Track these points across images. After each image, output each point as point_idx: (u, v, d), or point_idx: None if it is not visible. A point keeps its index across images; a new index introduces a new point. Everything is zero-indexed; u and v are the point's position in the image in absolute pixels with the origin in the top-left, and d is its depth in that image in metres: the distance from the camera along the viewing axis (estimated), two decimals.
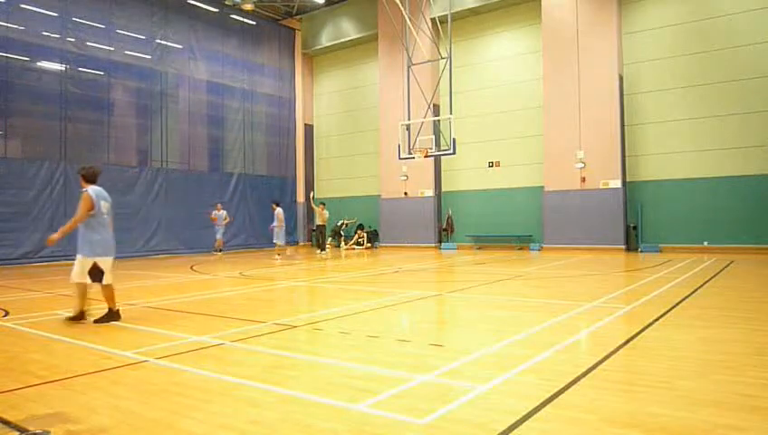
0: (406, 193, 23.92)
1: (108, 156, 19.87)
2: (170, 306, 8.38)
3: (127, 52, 20.72)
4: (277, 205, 19.06)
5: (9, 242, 16.84)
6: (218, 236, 20.88)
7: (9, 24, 17.48)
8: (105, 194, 7.06)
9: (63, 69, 18.73)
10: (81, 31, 19.20)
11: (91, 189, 6.92)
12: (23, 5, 17.78)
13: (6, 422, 3.46)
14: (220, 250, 21.09)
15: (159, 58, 21.71)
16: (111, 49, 20.14)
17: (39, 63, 18.52)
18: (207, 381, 4.35)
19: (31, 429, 3.32)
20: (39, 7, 18.16)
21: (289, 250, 22.13)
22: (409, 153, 19.20)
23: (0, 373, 4.75)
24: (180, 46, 22.55)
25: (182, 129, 22.72)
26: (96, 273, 6.91)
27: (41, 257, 17.19)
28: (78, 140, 18.97)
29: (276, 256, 18.77)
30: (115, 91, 20.59)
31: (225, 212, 21.17)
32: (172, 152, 22.17)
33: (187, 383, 4.34)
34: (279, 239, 18.79)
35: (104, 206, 6.98)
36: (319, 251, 19.95)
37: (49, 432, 3.25)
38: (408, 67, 19.92)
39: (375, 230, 25.23)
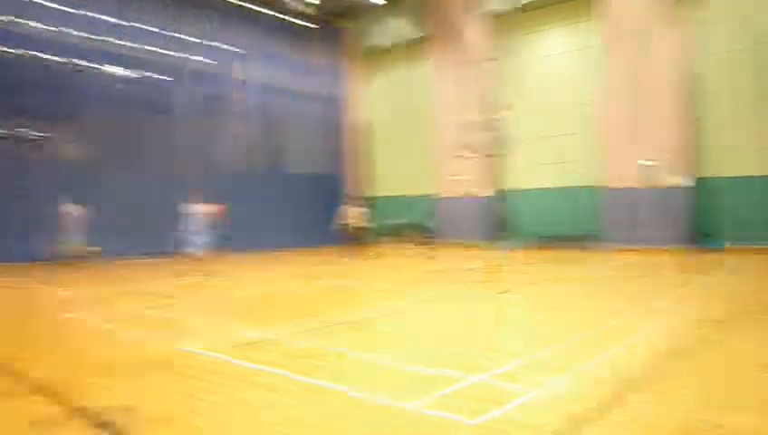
0: (462, 192, 23.73)
1: (172, 158, 20.69)
2: (235, 301, 8.63)
3: (193, 57, 21.58)
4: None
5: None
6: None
7: (83, 34, 18.52)
8: None
9: (134, 75, 19.76)
10: (148, 38, 20.14)
11: None
12: (88, 13, 18.79)
13: (79, 408, 3.68)
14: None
15: (220, 62, 22.44)
16: (178, 55, 21.01)
17: (112, 71, 19.46)
18: (261, 375, 4.47)
19: (103, 417, 3.51)
20: (109, 16, 19.18)
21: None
22: (466, 151, 19.01)
23: (73, 365, 5.04)
24: (237, 50, 23.23)
25: (242, 131, 23.36)
26: None
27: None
28: (146, 145, 19.93)
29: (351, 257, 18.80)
30: (179, 96, 21.38)
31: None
32: (234, 154, 22.90)
33: (242, 376, 4.47)
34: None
35: None
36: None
37: (114, 422, 3.43)
38: (463, 64, 19.71)
39: (431, 229, 25.10)
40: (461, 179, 23.77)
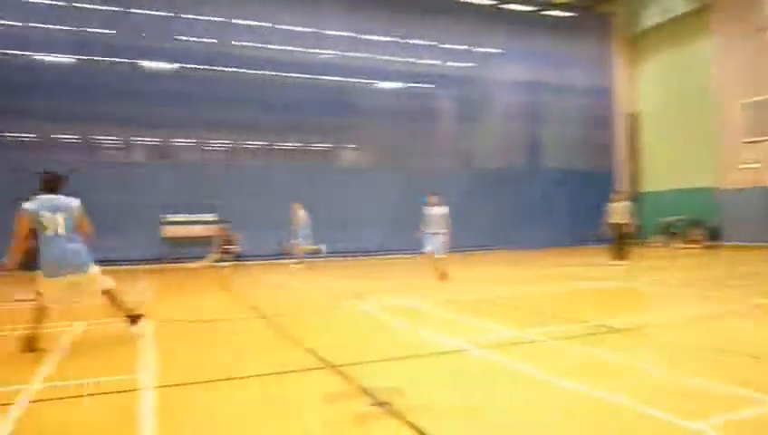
0: (753, 182, 20.26)
1: (435, 161, 22.03)
2: (495, 300, 8.79)
3: (450, 63, 22.63)
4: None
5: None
6: (295, 240, 15.78)
7: (357, 54, 20.87)
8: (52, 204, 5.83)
9: (400, 86, 21.56)
10: (412, 50, 21.75)
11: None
12: (364, 36, 20.98)
13: (361, 388, 4.15)
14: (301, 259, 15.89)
15: (478, 65, 23.07)
16: (438, 63, 22.28)
17: (379, 85, 21.59)
18: (521, 375, 4.45)
19: (378, 397, 3.91)
20: (379, 36, 21.22)
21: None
22: (758, 136, 16.19)
23: (354, 347, 5.70)
24: (496, 50, 23.54)
25: (500, 129, 23.63)
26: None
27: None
28: (408, 150, 21.54)
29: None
30: (441, 101, 22.66)
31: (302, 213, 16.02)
32: (493, 153, 23.35)
33: (504, 375, 4.52)
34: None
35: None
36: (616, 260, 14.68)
37: (392, 404, 3.78)
38: (755, 35, 16.78)
39: (714, 227, 22.01)
40: (752, 168, 20.34)
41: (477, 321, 6.90)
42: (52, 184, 5.96)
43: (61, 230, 5.75)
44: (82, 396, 4.12)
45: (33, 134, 18.72)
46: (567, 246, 22.58)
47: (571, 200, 23.72)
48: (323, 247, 16.32)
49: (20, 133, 18.60)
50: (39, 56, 17.72)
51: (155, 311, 8.48)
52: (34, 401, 4.01)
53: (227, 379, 4.60)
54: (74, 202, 5.98)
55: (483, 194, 22.23)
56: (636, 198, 19.22)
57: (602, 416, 3.52)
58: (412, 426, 3.38)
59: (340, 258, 18.64)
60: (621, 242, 14.47)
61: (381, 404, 3.78)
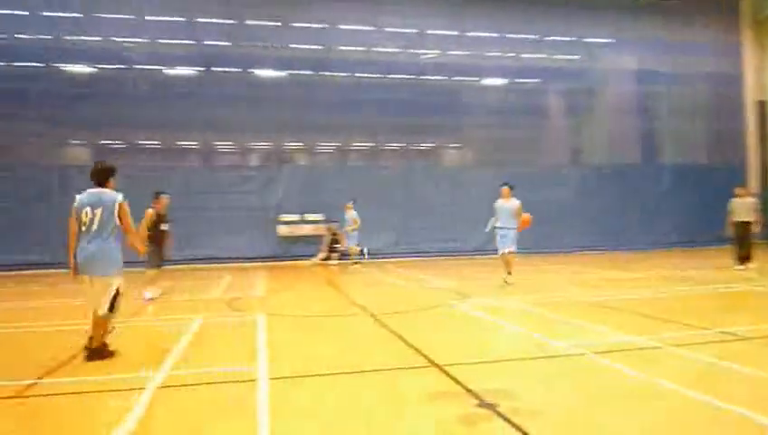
0: None
1: (540, 158, 21.39)
2: (603, 302, 8.39)
3: (557, 56, 21.82)
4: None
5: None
6: (350, 243, 16.39)
7: (461, 52, 20.72)
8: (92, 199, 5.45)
9: (505, 82, 21.15)
10: (517, 45, 21.25)
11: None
12: (467, 34, 20.77)
13: (467, 389, 4.12)
14: (356, 259, 16.58)
15: (586, 56, 22.06)
16: (543, 56, 21.59)
17: (484, 82, 21.30)
18: (637, 383, 4.20)
19: (484, 398, 3.86)
20: (482, 32, 20.93)
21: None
22: None
23: (461, 348, 5.67)
24: (606, 40, 22.39)
25: (610, 123, 22.45)
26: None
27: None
28: (513, 148, 21.05)
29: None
30: (547, 96, 21.94)
31: (354, 213, 16.33)
32: (601, 148, 22.25)
33: (617, 382, 4.30)
34: None
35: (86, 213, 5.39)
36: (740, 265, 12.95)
37: (498, 406, 3.72)
38: None
39: None
40: None
41: (586, 324, 6.61)
42: (98, 177, 5.51)
43: (95, 227, 5.31)
44: (202, 384, 4.43)
45: (157, 142, 20.38)
46: (683, 246, 20.99)
47: (688, 198, 21.98)
48: (365, 250, 16.90)
49: (148, 141, 20.32)
50: (166, 70, 19.24)
51: (269, 305, 8.94)
52: (161, 387, 4.37)
53: (337, 373, 4.75)
54: (115, 197, 5.42)
55: (591, 191, 21.22)
56: (763, 193, 17.43)
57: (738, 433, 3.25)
58: (519, 429, 3.31)
59: (444, 258, 18.60)
60: (745, 242, 13.14)
61: (488, 406, 3.73)
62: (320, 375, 4.71)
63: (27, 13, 17.84)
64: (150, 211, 9.62)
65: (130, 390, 4.25)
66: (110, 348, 5.43)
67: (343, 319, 7.64)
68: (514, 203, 10.67)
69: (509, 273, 10.62)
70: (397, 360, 5.18)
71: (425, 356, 5.15)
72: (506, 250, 10.55)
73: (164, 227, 9.81)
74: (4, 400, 4.10)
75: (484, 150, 21.54)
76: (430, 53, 20.64)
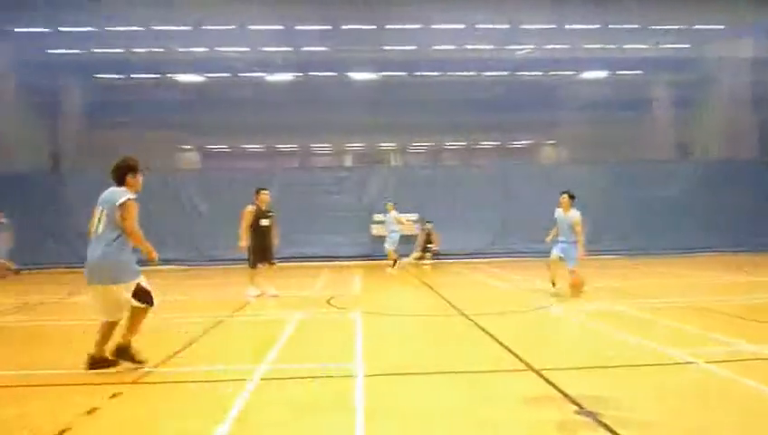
0: None
1: (643, 153, 20.19)
2: (714, 307, 7.81)
3: (663, 45, 20.51)
4: None
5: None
6: (388, 246, 15.30)
7: (557, 46, 20.02)
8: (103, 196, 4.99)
9: (605, 75, 20.18)
10: (618, 35, 20.18)
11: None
12: (568, 26, 19.99)
13: (565, 395, 3.99)
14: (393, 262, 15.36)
15: (696, 45, 20.56)
16: (646, 47, 20.36)
17: (582, 75, 20.49)
18: (762, 397, 3.88)
19: (584, 407, 3.71)
20: (584, 24, 20.10)
21: None
22: None
23: (557, 352, 5.49)
24: (718, 27, 20.74)
25: (722, 115, 20.79)
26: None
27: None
28: (614, 143, 20.00)
29: None
30: (650, 88, 20.71)
31: (395, 214, 15.56)
32: (712, 142, 20.65)
33: (738, 395, 3.98)
34: None
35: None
36: None
37: (600, 414, 3.57)
38: None
39: None
40: None
41: (698, 331, 6.18)
42: (114, 174, 4.97)
43: (99, 230, 4.81)
44: (302, 378, 4.59)
45: (258, 145, 21.38)
46: None
47: None
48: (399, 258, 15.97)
49: (250, 144, 21.38)
50: (267, 76, 20.15)
51: (365, 304, 9.11)
52: (264, 379, 4.58)
53: (431, 373, 4.77)
54: (119, 196, 4.81)
55: (701, 188, 19.73)
56: None
57: None
58: None
59: (541, 259, 17.94)
60: None
61: (588, 413, 3.59)
62: (415, 374, 4.74)
63: (142, 28, 19.30)
64: (249, 208, 9.74)
65: (236, 380, 4.49)
66: (110, 358, 4.83)
67: (438, 319, 7.64)
68: (573, 215, 9.35)
69: (574, 287, 9.32)
70: (492, 362, 5.11)
71: (520, 359, 5.05)
72: (566, 262, 9.35)
73: (264, 222, 9.78)
74: (127, 385, 4.48)
75: (582, 147, 20.71)
76: (525, 48, 20.13)
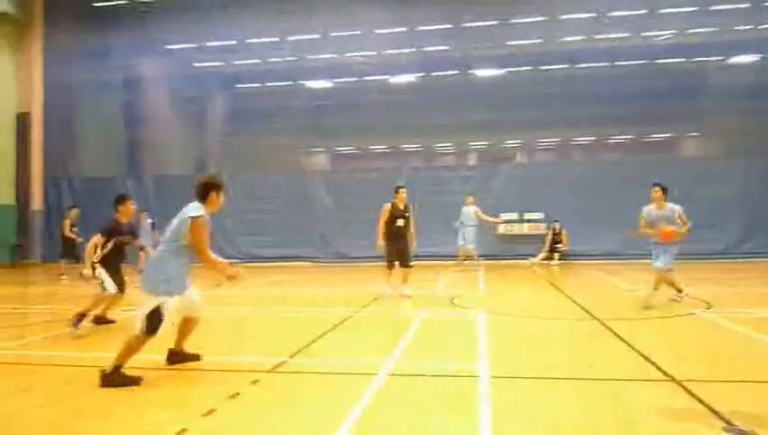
0: None
1: None
2: None
3: None
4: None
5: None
6: (460, 242, 15.90)
7: (702, 30, 18.32)
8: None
9: (757, 59, 18.20)
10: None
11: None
12: (714, 7, 18.21)
13: (712, 409, 3.65)
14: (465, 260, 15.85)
15: None
16: None
17: (730, 60, 18.62)
18: None
19: (736, 424, 3.38)
20: (733, 3, 18.23)
21: None
22: None
23: (703, 362, 5.04)
24: None
25: None
26: None
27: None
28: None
29: None
30: None
31: (474, 209, 15.89)
32: None
33: None
34: None
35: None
36: None
37: (756, 434, 3.23)
38: None
39: None
40: None
41: None
42: (199, 189, 4.89)
43: (165, 234, 4.79)
44: (426, 376, 4.63)
45: (385, 145, 21.81)
46: None
47: None
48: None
49: (377, 145, 21.89)
50: (391, 78, 20.55)
51: (489, 304, 9.00)
52: (391, 375, 4.68)
53: (560, 378, 4.59)
54: (192, 211, 4.70)
55: None
56: None
57: None
58: None
59: (683, 261, 16.48)
60: None
61: (740, 432, 3.26)
62: (543, 378, 4.59)
63: (277, 39, 20.52)
64: (387, 206, 9.44)
65: (364, 374, 4.64)
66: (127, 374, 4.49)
67: (567, 322, 7.33)
68: (671, 210, 8.18)
69: (655, 289, 8.17)
70: (627, 370, 4.81)
71: (660, 368, 4.70)
72: (657, 265, 8.14)
73: (399, 223, 9.36)
74: (263, 373, 4.79)
75: (731, 139, 18.70)
76: (664, 34, 18.67)
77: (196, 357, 5.15)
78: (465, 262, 15.88)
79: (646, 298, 8.16)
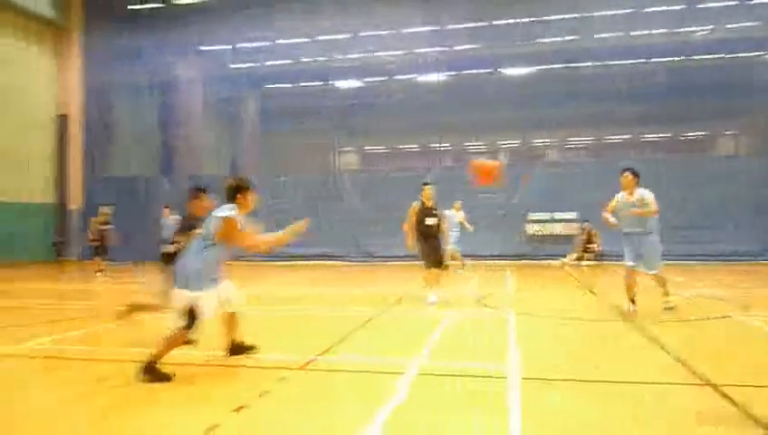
0: None
1: None
2: None
3: None
4: None
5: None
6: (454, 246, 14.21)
7: (739, 25, 17.81)
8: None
9: None
10: None
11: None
12: (751, 1, 17.69)
13: (750, 415, 3.56)
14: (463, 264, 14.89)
15: None
16: None
17: None
18: None
19: None
20: None
21: None
22: None
23: (741, 366, 4.91)
24: None
25: None
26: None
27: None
28: None
29: None
30: None
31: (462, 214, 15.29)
32: None
33: None
34: None
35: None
36: None
37: None
38: None
39: None
40: None
41: None
42: (227, 192, 5.00)
43: (195, 241, 4.90)
44: (455, 376, 4.62)
45: (414, 145, 21.78)
46: None
47: None
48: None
49: (406, 145, 21.88)
50: (420, 77, 20.51)
51: (519, 304, 8.92)
52: (420, 374, 4.68)
53: (593, 381, 4.53)
54: (223, 211, 4.81)
55: None
56: None
57: None
58: None
59: (711, 263, 16.09)
60: None
61: None
62: (573, 380, 4.53)
63: (308, 39, 20.68)
64: (414, 204, 8.98)
65: (393, 373, 4.65)
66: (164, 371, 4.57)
67: (599, 324, 7.22)
68: (640, 196, 7.60)
69: (666, 294, 7.83)
70: (661, 374, 4.71)
71: (695, 372, 4.60)
72: (628, 264, 7.84)
73: (429, 221, 8.81)
74: (293, 370, 4.85)
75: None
76: (701, 30, 18.21)
77: (252, 348, 5.35)
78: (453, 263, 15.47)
79: (664, 302, 7.83)
